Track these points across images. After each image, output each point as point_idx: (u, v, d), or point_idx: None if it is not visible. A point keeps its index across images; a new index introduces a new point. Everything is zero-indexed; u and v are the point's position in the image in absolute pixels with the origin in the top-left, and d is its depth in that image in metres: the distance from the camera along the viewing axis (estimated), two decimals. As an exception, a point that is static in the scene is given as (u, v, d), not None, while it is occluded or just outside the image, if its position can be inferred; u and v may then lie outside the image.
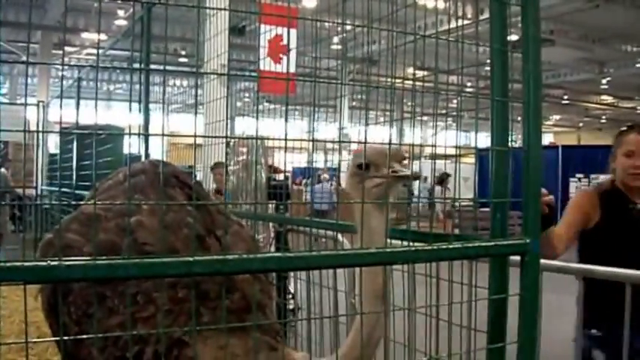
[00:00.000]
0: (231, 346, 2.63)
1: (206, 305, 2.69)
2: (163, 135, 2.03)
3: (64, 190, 10.85)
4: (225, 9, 4.96)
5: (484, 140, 2.98)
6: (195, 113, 2.57)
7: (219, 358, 2.66)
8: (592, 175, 25.84)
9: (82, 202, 3.62)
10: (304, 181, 23.16)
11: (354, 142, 2.59)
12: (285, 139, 2.21)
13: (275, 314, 3.22)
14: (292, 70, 9.42)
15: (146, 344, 2.64)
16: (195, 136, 2.07)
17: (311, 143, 2.59)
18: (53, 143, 19.66)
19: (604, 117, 56.69)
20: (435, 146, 2.58)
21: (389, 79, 2.72)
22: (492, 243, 2.50)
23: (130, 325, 2.61)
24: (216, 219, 3.12)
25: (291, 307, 7.27)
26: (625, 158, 4.41)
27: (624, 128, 4.60)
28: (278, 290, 4.64)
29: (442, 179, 18.79)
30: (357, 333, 2.60)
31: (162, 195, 3.05)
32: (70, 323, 2.81)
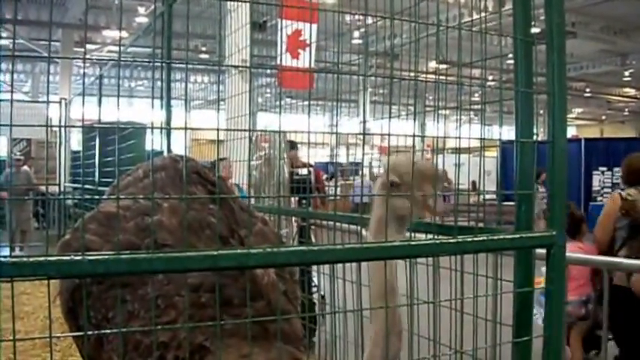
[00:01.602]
0: (253, 355, 2.56)
1: (229, 312, 2.62)
2: (186, 129, 2.01)
3: (86, 187, 10.92)
4: (247, 1, 4.95)
5: (505, 134, 2.94)
6: (218, 109, 2.56)
7: None
8: (615, 169, 25.67)
9: (104, 197, 3.58)
10: (324, 176, 23.03)
11: (376, 134, 2.57)
12: (309, 132, 2.19)
13: (299, 315, 3.14)
14: (311, 65, 9.42)
15: (167, 350, 2.60)
16: (218, 129, 2.06)
17: (333, 139, 2.56)
18: (75, 141, 19.80)
19: (627, 109, 56.23)
20: (460, 138, 2.56)
21: (410, 73, 2.70)
22: (518, 235, 2.48)
23: (149, 331, 2.56)
24: (240, 217, 3.05)
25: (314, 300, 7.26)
26: None
27: None
28: (302, 284, 4.61)
29: (538, 174, 17.72)
30: (376, 331, 2.59)
31: (182, 193, 2.96)
32: (90, 327, 2.75)
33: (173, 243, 2.75)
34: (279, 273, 2.88)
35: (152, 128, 2.71)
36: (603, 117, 59.40)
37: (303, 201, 7.26)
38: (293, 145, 9.07)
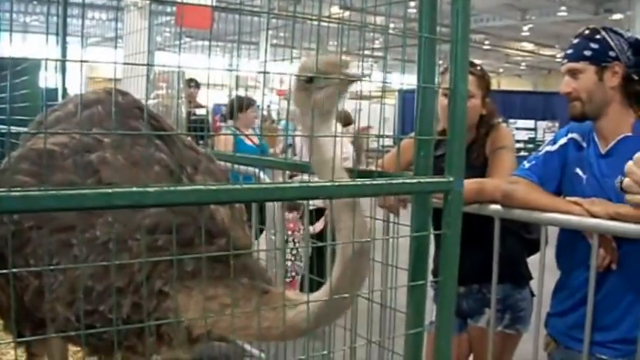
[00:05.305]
0: (219, 297, 2.47)
1: (189, 253, 2.42)
2: (82, 61, 1.92)
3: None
4: None
5: (405, 81, 2.93)
6: (116, 46, 2.46)
7: (207, 310, 2.47)
8: (510, 120, 26.27)
9: (24, 131, 3.34)
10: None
11: (277, 73, 2.53)
12: (208, 68, 2.12)
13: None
14: (213, 3, 9.30)
15: (123, 295, 2.46)
16: (115, 62, 1.98)
17: (232, 80, 2.50)
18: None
19: (524, 64, 57.45)
20: (361, 80, 2.53)
21: (312, 17, 2.66)
22: (416, 180, 2.48)
23: (101, 276, 2.43)
24: (185, 154, 2.91)
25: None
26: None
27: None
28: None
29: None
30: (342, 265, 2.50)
31: (124, 127, 2.80)
32: (29, 276, 2.56)
33: (119, 181, 2.56)
34: (230, 209, 2.76)
35: (46, 59, 2.57)
36: (501, 70, 60.50)
37: (201, 141, 7.17)
38: (193, 84, 8.91)
